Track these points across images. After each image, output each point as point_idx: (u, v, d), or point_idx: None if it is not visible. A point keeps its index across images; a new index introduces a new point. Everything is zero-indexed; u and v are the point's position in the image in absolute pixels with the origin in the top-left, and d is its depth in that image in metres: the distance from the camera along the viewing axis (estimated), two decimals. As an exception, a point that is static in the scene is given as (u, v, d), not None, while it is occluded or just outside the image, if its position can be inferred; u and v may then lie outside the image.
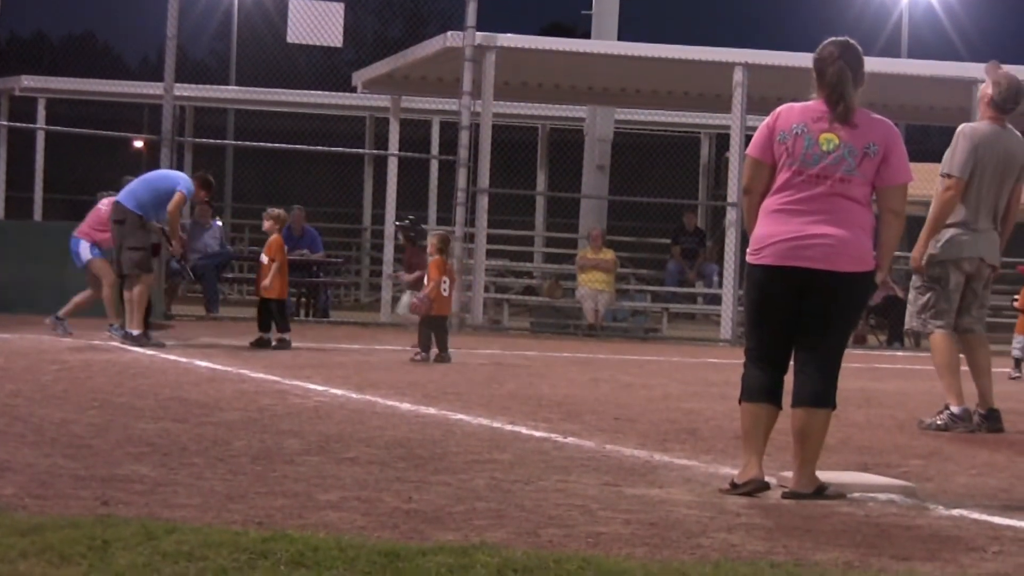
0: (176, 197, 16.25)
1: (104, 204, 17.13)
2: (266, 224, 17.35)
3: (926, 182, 11.00)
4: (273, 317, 16.87)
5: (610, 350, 20.27)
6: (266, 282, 16.86)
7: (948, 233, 10.72)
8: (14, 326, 17.49)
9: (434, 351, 15.81)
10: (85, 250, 17.00)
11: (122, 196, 16.36)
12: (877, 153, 7.30)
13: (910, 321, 11.11)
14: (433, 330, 15.90)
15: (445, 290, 15.91)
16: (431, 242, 16.30)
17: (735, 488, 7.21)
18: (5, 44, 36.52)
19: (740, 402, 7.41)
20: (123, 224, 16.19)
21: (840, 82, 7.31)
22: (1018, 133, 10.92)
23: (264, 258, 17.14)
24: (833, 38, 7.50)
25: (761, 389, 7.33)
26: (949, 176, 10.67)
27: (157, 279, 18.32)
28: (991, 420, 10.72)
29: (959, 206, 10.68)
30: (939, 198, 10.70)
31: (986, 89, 10.92)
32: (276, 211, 17.46)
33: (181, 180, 16.64)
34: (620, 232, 30.48)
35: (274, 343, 16.62)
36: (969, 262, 10.74)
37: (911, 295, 11.02)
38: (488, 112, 23.02)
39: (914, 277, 10.97)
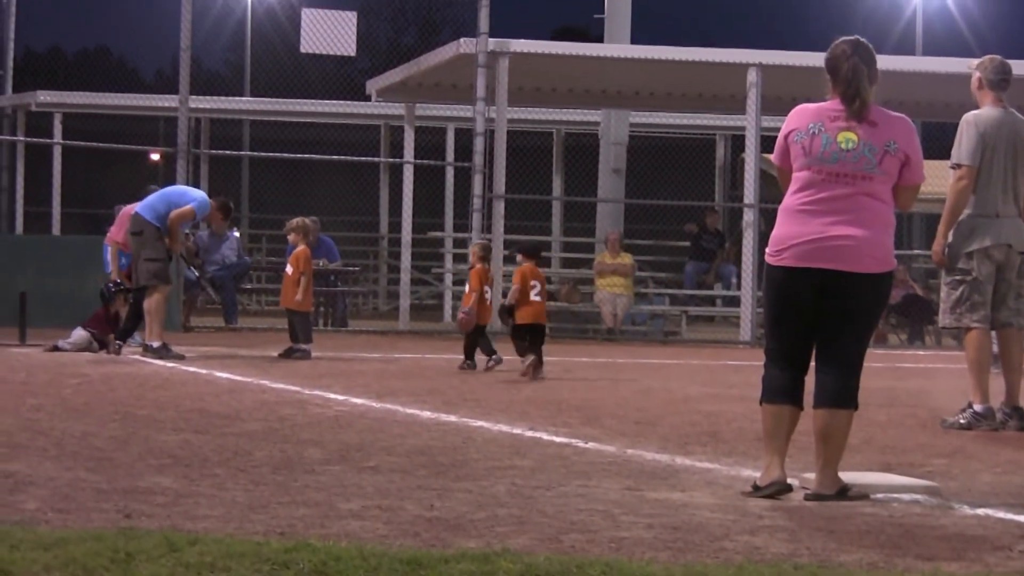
0: (184, 209, 16.29)
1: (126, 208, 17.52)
2: (291, 238, 17.28)
3: (943, 179, 10.97)
4: (297, 328, 16.83)
5: (629, 353, 20.25)
6: (299, 297, 16.77)
7: (972, 223, 10.67)
8: (35, 340, 17.52)
9: (482, 358, 15.69)
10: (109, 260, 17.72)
11: (141, 208, 16.44)
12: (898, 151, 7.28)
13: (944, 318, 10.93)
14: (478, 338, 15.71)
15: (488, 298, 15.72)
16: (472, 251, 16.16)
17: (757, 490, 7.19)
18: (21, 60, 36.58)
19: (761, 403, 7.38)
20: (141, 235, 16.24)
21: (856, 78, 7.30)
22: (1021, 116, 10.91)
23: (289, 269, 17.06)
24: (844, 37, 7.50)
25: (782, 390, 7.31)
26: (959, 166, 10.64)
27: (174, 290, 18.41)
28: (1016, 417, 10.67)
29: (978, 194, 10.64)
30: (953, 188, 10.66)
31: (975, 76, 10.96)
32: (295, 222, 17.32)
33: (199, 199, 16.67)
34: (637, 235, 30.46)
35: (296, 353, 16.59)
36: (997, 249, 10.67)
37: (943, 292, 10.93)
38: (502, 118, 23.03)
39: (944, 274, 10.91)
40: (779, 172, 7.55)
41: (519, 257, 15.60)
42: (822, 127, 7.30)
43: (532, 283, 15.05)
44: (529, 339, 14.78)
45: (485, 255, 16.15)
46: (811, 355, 7.36)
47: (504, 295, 23.89)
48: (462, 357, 15.82)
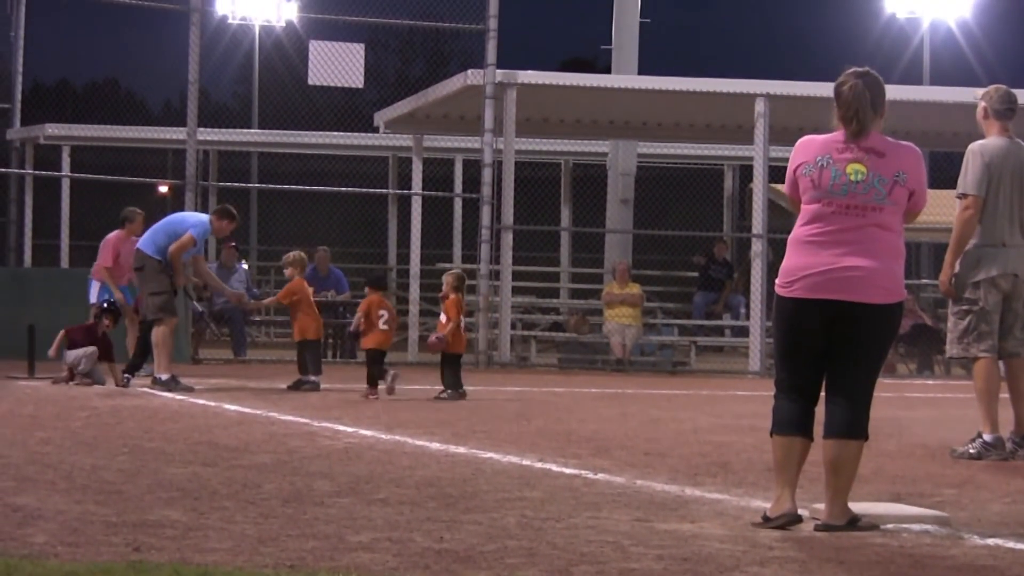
0: (182, 239, 16.23)
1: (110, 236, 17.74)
2: (287, 272, 17.35)
3: (951, 208, 10.98)
4: (307, 359, 16.84)
5: (638, 384, 20.23)
6: (256, 301, 17.48)
7: (978, 253, 10.68)
8: (43, 372, 17.53)
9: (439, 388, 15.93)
10: (93, 293, 17.86)
11: (142, 243, 16.45)
12: (906, 181, 7.27)
13: (951, 348, 10.94)
14: (450, 367, 15.88)
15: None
16: (447, 281, 16.29)
17: (768, 521, 7.17)
18: (29, 93, 36.69)
19: (771, 434, 7.37)
20: (143, 270, 16.26)
21: (855, 99, 7.27)
22: None
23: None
24: (854, 68, 7.49)
25: (792, 421, 7.29)
26: (965, 195, 10.66)
27: (182, 323, 18.45)
28: (1025, 447, 10.65)
29: (984, 224, 10.66)
30: (959, 218, 10.68)
31: (981, 105, 10.99)
32: (291, 256, 17.38)
33: (196, 224, 16.63)
34: (646, 266, 30.47)
35: (305, 385, 16.59)
36: (1004, 279, 10.69)
37: (950, 322, 10.94)
38: (510, 149, 23.08)
39: (951, 304, 10.91)
40: (791, 202, 7.55)
41: (367, 288, 16.45)
42: (830, 160, 7.29)
43: (380, 312, 15.89)
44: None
45: (459, 284, 16.26)
46: (821, 386, 7.34)
47: (514, 325, 24.05)
48: (472, 388, 15.87)
